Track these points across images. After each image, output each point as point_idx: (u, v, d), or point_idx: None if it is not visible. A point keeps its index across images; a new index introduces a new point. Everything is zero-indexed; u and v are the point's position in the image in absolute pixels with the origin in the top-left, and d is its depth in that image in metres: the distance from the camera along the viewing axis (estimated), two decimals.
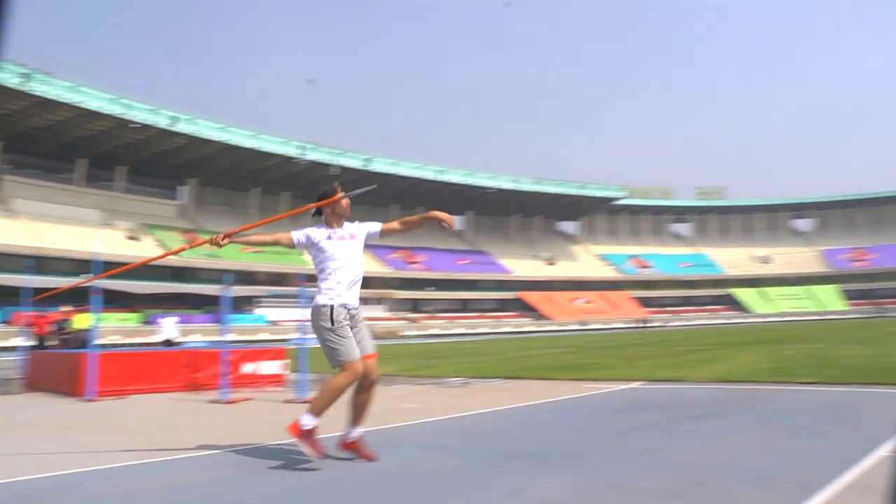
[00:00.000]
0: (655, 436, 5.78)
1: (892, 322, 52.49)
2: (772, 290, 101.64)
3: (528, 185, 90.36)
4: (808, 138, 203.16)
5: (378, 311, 77.64)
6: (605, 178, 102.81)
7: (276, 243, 5.56)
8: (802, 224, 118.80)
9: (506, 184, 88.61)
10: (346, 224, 5.56)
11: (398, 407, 8.78)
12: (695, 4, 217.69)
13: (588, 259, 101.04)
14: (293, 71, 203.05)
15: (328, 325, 5.08)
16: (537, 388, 10.52)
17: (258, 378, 12.45)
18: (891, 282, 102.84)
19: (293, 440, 4.96)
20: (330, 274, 5.28)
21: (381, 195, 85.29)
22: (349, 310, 5.24)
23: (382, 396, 10.65)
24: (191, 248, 7.11)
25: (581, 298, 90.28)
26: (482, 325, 77.25)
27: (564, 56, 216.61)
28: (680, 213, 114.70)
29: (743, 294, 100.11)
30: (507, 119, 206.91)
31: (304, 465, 4.89)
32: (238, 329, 55.17)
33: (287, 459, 5.16)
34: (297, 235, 5.46)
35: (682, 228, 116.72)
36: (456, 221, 5.90)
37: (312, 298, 5.34)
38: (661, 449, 5.14)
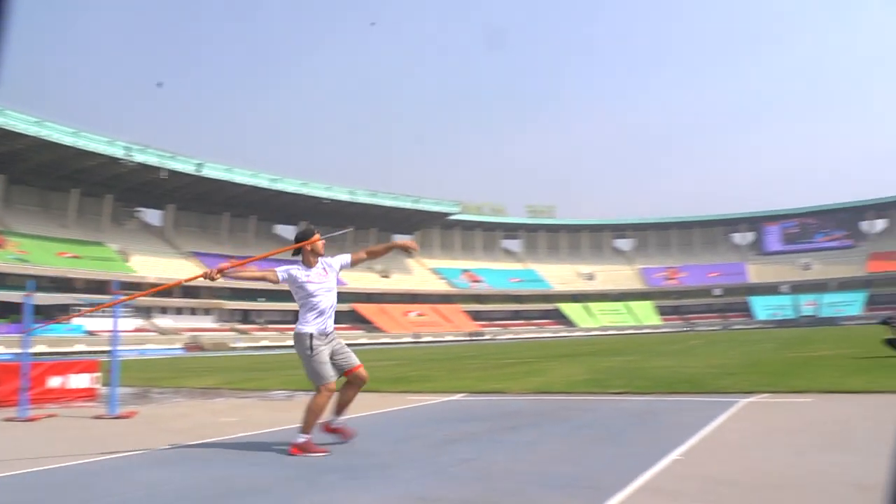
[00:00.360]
0: (470, 447, 5.91)
1: (697, 336, 56.80)
2: (595, 306, 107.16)
3: (363, 198, 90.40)
4: (630, 162, 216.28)
5: (206, 322, 74.94)
6: (440, 194, 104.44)
7: (263, 279, 6.14)
8: (623, 244, 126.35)
9: (341, 195, 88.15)
10: (320, 259, 6.27)
11: (216, 421, 8.50)
12: (532, 28, 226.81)
13: (422, 272, 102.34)
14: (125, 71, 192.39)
15: (309, 352, 5.86)
16: (363, 401, 10.46)
17: (66, 392, 11.66)
18: (697, 298, 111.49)
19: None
20: (310, 306, 6.00)
21: (213, 201, 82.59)
22: (327, 335, 5.99)
23: (200, 410, 10.33)
24: (186, 281, 7.86)
25: (414, 311, 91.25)
26: None
27: (403, 71, 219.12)
28: (511, 230, 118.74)
29: (569, 309, 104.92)
30: (344, 131, 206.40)
31: (98, 490, 4.62)
32: (51, 340, 51.58)
33: (75, 482, 4.86)
34: (281, 273, 6.06)
35: (513, 245, 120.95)
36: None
37: (295, 327, 6.07)
38: (474, 459, 5.27)
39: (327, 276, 6.22)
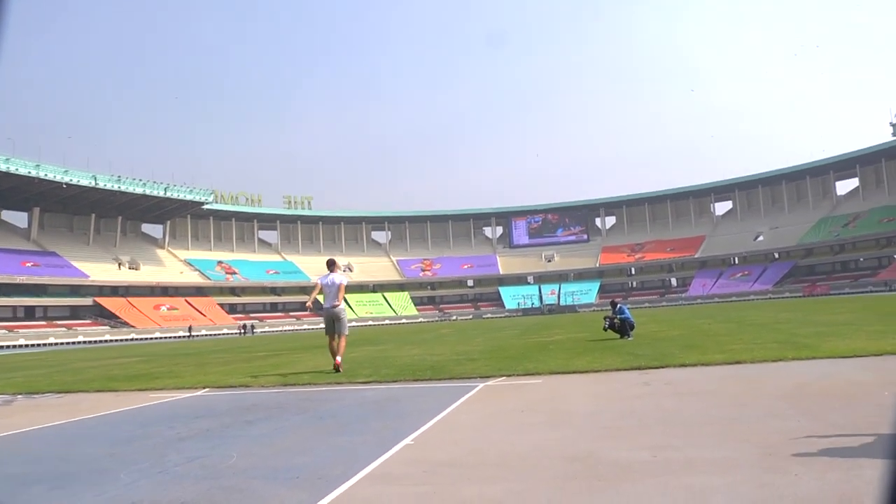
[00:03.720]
0: (202, 444, 5.67)
1: (449, 324, 59.22)
2: (352, 297, 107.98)
3: (107, 183, 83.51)
4: (383, 159, 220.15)
5: None
6: (193, 182, 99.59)
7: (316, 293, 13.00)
8: (380, 236, 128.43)
9: (83, 180, 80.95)
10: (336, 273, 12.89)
11: None
12: (305, 18, 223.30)
13: (174, 264, 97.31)
14: None
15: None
16: (95, 402, 9.75)
17: None
18: (451, 289, 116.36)
19: None
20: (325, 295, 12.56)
21: None
22: (333, 308, 12.44)
23: None
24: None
25: (165, 305, 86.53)
26: (52, 334, 69.81)
27: (160, 52, 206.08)
28: (268, 221, 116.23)
29: None
30: (82, 112, 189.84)
31: None
32: None
33: None
34: (318, 285, 12.85)
35: (270, 236, 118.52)
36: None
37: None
38: (204, 457, 5.05)
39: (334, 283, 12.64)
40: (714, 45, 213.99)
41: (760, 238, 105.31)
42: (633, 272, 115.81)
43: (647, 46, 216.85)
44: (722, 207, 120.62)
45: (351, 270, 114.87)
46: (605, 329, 16.84)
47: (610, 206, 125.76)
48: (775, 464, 3.84)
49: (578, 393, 7.69)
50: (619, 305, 16.97)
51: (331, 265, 13.12)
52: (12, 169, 73.79)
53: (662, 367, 9.40)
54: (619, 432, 5.13)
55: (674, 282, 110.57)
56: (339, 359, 11.92)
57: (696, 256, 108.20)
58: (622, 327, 16.20)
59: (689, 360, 9.99)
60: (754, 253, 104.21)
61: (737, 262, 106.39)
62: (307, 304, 15.93)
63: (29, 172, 75.25)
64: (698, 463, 4.00)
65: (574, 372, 9.69)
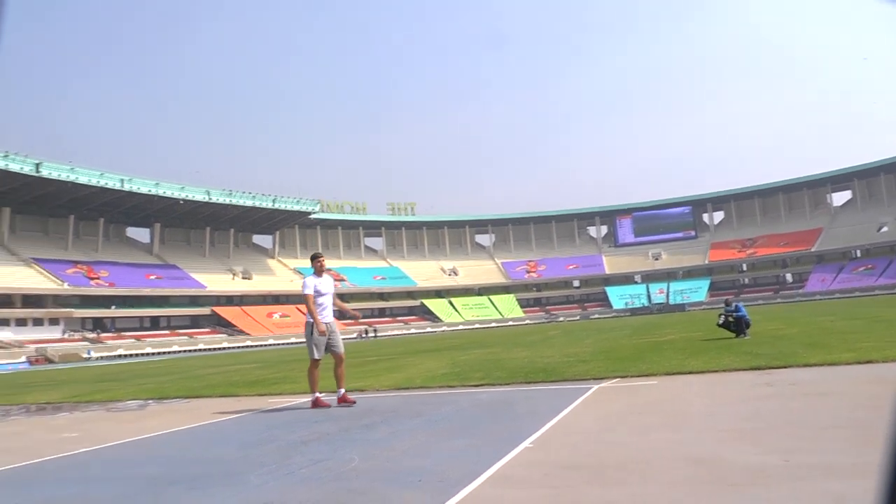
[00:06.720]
0: (324, 446, 5.83)
1: (556, 326, 58.76)
2: (458, 300, 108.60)
3: (219, 197, 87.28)
4: (489, 158, 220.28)
5: (54, 333, 70.17)
6: (299, 193, 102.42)
7: (311, 303, 9.12)
8: (484, 239, 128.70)
9: (197, 195, 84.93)
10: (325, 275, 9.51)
11: (55, 438, 7.98)
12: (385, 27, 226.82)
13: (284, 272, 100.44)
14: None
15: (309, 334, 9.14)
16: (219, 406, 10.17)
17: None
18: (557, 290, 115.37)
19: None
20: (319, 304, 9.15)
21: (55, 204, 77.49)
22: (328, 324, 9.16)
23: (37, 427, 9.68)
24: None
25: (277, 312, 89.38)
26: (175, 342, 73.31)
27: (258, 67, 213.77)
28: (373, 228, 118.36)
29: (433, 304, 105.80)
30: (198, 127, 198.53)
31: None
32: None
33: None
34: (308, 291, 9.17)
35: (375, 242, 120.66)
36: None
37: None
38: (327, 459, 5.19)
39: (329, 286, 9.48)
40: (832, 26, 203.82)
41: (885, 229, 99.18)
42: (744, 268, 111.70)
43: (761, 33, 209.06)
44: (840, 198, 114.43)
45: (456, 274, 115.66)
46: (718, 325, 16.33)
47: (718, 201, 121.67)
48: None
49: (696, 394, 7.49)
50: (733, 303, 16.45)
51: (320, 264, 9.45)
52: (134, 188, 78.37)
53: (785, 367, 9.02)
54: (745, 435, 4.95)
55: (789, 277, 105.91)
56: (343, 391, 9.14)
57: (812, 250, 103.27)
58: (738, 325, 15.68)
59: (813, 359, 9.54)
60: (878, 245, 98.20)
61: (859, 255, 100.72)
62: (320, 330, 9.08)
63: (149, 191, 79.92)
64: (835, 468, 3.81)
65: (690, 372, 9.44)
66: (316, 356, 9.05)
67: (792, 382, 7.60)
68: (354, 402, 8.92)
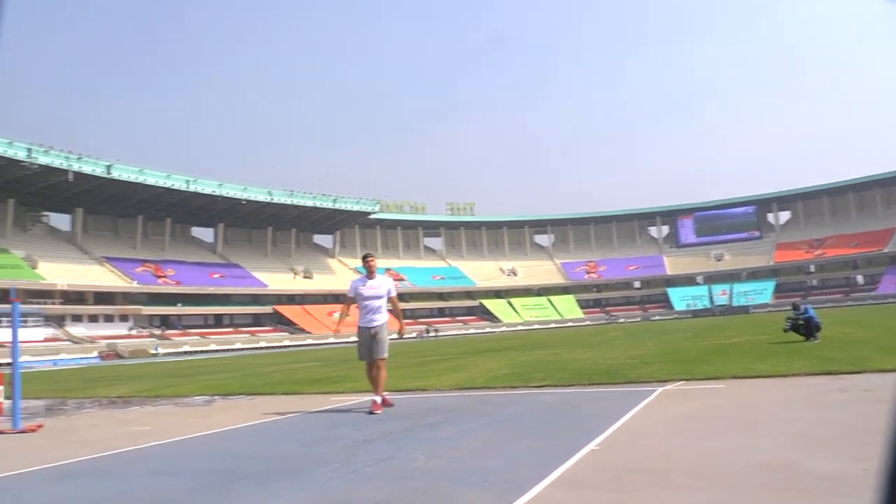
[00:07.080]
0: (388, 446, 5.84)
1: (618, 327, 58.07)
2: (517, 301, 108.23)
3: (281, 198, 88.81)
4: (542, 161, 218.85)
5: (123, 329, 72.42)
6: (359, 193, 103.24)
7: (348, 307, 9.44)
8: (543, 239, 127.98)
9: (259, 195, 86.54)
10: (377, 276, 9.21)
11: (126, 431, 8.20)
12: (460, 27, 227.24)
13: (344, 272, 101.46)
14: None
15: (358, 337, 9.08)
16: (282, 404, 10.32)
17: None
18: (617, 291, 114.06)
19: None
20: (362, 307, 9.09)
21: (124, 204, 79.87)
22: (370, 328, 8.97)
23: (111, 420, 9.95)
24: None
25: (337, 311, 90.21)
26: (237, 340, 74.83)
27: (318, 71, 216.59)
28: (432, 228, 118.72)
29: (492, 305, 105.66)
30: (257, 131, 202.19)
31: None
32: None
33: None
34: (351, 293, 9.28)
35: (435, 242, 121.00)
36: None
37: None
38: (391, 458, 5.20)
39: (377, 289, 9.15)
40: None
41: None
42: (812, 270, 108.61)
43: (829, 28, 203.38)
44: None
45: (515, 274, 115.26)
46: (785, 331, 15.89)
47: (784, 201, 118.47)
48: None
49: (765, 398, 7.30)
50: (802, 306, 15.98)
51: (369, 265, 9.24)
52: (199, 189, 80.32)
53: (859, 373, 8.71)
54: (819, 441, 4.80)
55: (860, 279, 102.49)
56: (378, 399, 8.69)
57: (885, 251, 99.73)
58: (807, 329, 15.20)
59: (890, 364, 9.17)
60: None
61: None
62: (336, 330, 10.76)
63: (213, 191, 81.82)
64: None
65: (758, 376, 9.20)
66: (358, 357, 9.17)
67: (867, 388, 7.34)
68: (380, 412, 8.31)
